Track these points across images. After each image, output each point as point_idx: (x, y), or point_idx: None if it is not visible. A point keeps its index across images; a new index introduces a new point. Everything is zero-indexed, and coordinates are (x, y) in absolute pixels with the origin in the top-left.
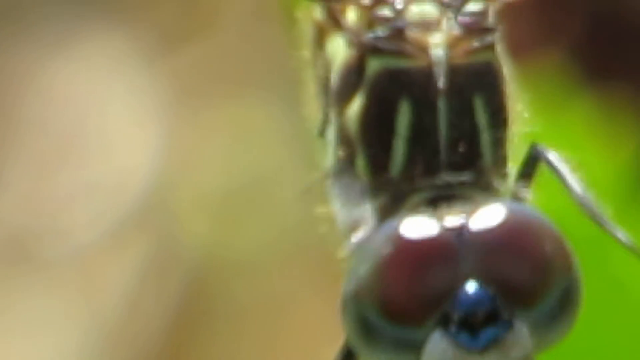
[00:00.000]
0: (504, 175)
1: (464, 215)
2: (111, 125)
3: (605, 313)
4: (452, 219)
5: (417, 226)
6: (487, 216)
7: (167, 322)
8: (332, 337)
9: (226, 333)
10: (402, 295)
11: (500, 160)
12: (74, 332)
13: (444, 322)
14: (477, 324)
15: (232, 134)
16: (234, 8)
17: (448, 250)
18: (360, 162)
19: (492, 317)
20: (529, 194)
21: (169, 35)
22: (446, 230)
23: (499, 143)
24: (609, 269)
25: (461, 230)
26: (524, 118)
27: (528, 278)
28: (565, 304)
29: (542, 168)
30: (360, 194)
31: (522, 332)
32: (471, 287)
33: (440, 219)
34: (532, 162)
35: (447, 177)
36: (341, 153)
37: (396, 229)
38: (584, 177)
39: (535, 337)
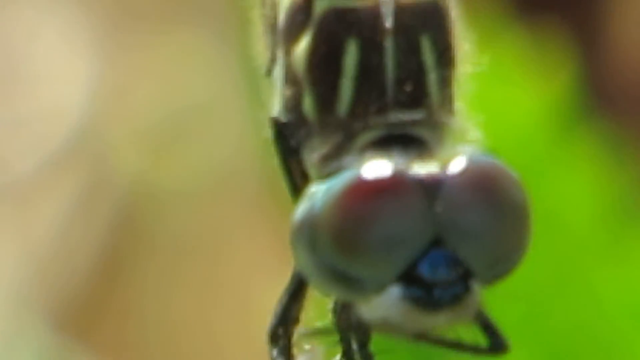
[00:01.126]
0: (452, 113)
1: (435, 169)
2: (45, 57)
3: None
4: (421, 170)
5: (385, 172)
6: (457, 171)
7: (101, 252)
8: (266, 266)
9: (160, 261)
10: (364, 242)
11: (448, 99)
12: (6, 260)
13: (405, 277)
14: (438, 284)
15: (166, 64)
16: None
17: (417, 202)
18: (308, 102)
19: (454, 278)
20: (476, 131)
21: None
22: (417, 183)
23: (446, 82)
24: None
25: (433, 185)
26: (471, 57)
27: (495, 240)
28: (516, 257)
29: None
30: (306, 133)
31: (477, 292)
32: (437, 246)
33: (406, 165)
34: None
35: (395, 116)
36: (288, 92)
37: (364, 171)
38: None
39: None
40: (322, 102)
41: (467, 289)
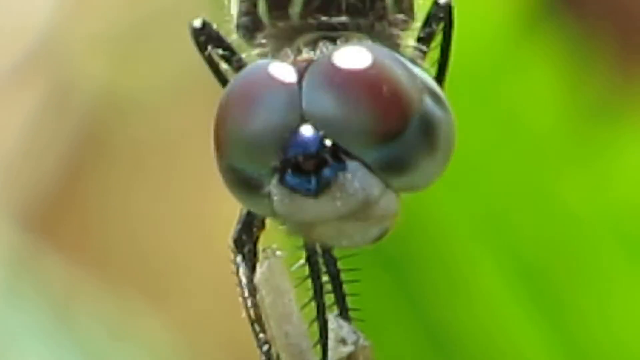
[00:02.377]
0: (406, 29)
1: (315, 55)
2: None
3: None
4: (301, 60)
5: (261, 66)
6: (333, 57)
7: (64, 155)
8: None
9: (123, 170)
10: (239, 134)
11: (403, 11)
12: None
13: (280, 167)
14: (312, 167)
15: None
16: None
17: (283, 90)
18: (262, 5)
19: (324, 160)
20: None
21: None
22: (288, 71)
23: None
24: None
25: (303, 71)
26: None
27: (358, 122)
28: (407, 150)
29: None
30: (263, 38)
31: (358, 174)
32: (304, 129)
33: (294, 60)
34: (434, 21)
35: (341, 19)
36: None
37: (248, 69)
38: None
39: (391, 179)
40: (274, 5)
41: (341, 170)
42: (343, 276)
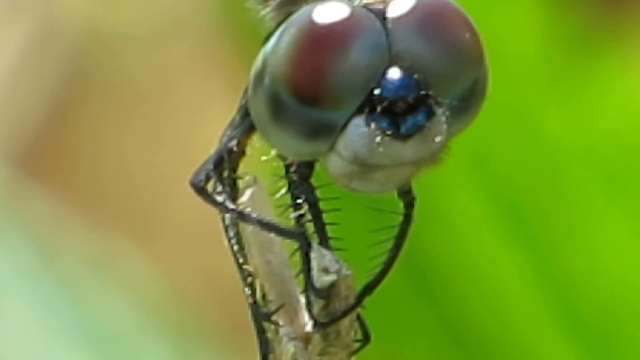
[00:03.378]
0: None
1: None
2: None
3: None
4: (373, 3)
5: (338, 7)
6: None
7: (53, 94)
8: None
9: (112, 106)
10: (323, 74)
11: None
12: None
13: (368, 107)
14: (402, 110)
15: None
16: None
17: (372, 32)
18: None
19: (417, 104)
20: None
21: None
22: (368, 13)
23: None
24: None
25: (384, 14)
26: None
27: (449, 64)
28: (476, 92)
29: None
30: None
31: (441, 120)
32: (396, 72)
33: (359, 2)
34: None
35: None
36: None
37: (318, 8)
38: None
39: (451, 124)
40: None
41: (429, 110)
42: (322, 204)
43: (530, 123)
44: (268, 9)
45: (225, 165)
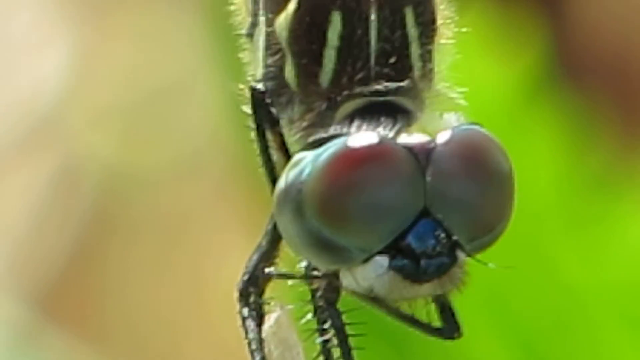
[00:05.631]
0: (433, 83)
1: (425, 137)
2: (17, 39)
3: None
4: (411, 139)
5: (374, 139)
6: (446, 140)
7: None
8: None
9: (124, 247)
10: (354, 210)
11: (429, 69)
12: None
13: (392, 247)
14: (425, 258)
15: (137, 46)
16: None
17: (407, 171)
18: (290, 71)
19: (441, 249)
20: (458, 100)
21: None
22: (408, 154)
23: (428, 52)
24: None
25: (426, 158)
26: (452, 29)
27: (483, 209)
28: (501, 227)
29: None
30: (287, 101)
31: (462, 262)
32: (429, 225)
33: (394, 134)
34: None
35: (378, 85)
36: (269, 60)
37: (352, 139)
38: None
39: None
40: (306, 72)
41: (453, 260)
42: (348, 329)
43: (548, 265)
44: (296, 130)
45: (252, 291)
